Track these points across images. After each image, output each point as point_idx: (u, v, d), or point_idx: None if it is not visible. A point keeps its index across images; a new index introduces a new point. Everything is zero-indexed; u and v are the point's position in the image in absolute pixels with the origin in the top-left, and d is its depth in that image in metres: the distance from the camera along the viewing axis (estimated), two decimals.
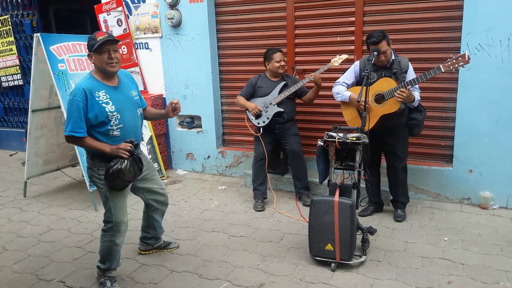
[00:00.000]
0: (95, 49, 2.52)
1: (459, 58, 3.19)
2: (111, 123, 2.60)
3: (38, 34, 4.12)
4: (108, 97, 2.59)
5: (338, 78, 3.70)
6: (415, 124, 3.59)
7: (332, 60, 4.00)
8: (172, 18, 4.98)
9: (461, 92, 3.90)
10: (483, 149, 3.88)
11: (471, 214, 3.80)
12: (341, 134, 2.90)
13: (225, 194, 4.53)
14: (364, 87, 3.10)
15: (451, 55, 3.93)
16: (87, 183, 4.12)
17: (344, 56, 3.99)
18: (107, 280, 2.80)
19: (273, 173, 4.56)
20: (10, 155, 6.76)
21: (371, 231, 3.40)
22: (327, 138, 2.92)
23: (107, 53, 2.55)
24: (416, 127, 3.61)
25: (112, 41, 2.55)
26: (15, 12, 6.50)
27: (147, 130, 5.10)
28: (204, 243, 3.37)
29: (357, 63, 3.61)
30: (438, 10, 3.97)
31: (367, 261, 2.99)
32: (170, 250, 3.29)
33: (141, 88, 5.46)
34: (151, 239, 3.24)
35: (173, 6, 5.02)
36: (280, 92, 4.08)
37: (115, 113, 2.60)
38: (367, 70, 3.12)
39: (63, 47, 4.27)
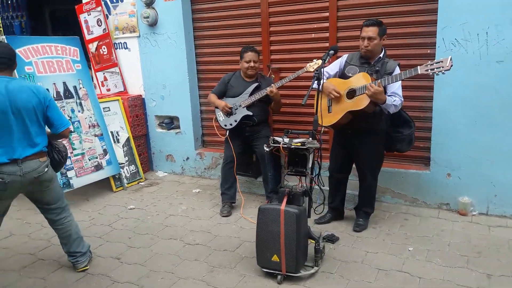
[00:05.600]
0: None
1: (440, 63, 2.86)
2: None
3: (4, 37, 4.10)
4: None
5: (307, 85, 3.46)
6: (398, 138, 3.34)
7: (307, 65, 3.75)
8: (148, 17, 4.88)
9: (437, 90, 3.64)
10: (461, 151, 3.62)
11: (447, 221, 3.56)
12: (287, 140, 2.72)
13: (197, 198, 4.41)
14: (316, 91, 2.90)
15: (428, 51, 3.74)
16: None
17: (320, 62, 3.75)
18: None
19: (247, 176, 4.41)
20: None
21: (332, 239, 3.22)
22: (272, 143, 2.75)
23: None
24: (399, 142, 3.35)
25: None
26: (5, 14, 6.56)
27: (124, 132, 5.03)
28: (156, 252, 3.26)
29: (345, 56, 3.41)
30: (414, 3, 3.71)
31: (318, 273, 2.81)
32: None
33: (121, 88, 5.40)
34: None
35: (149, 4, 4.91)
36: (251, 94, 3.91)
37: None
38: (319, 70, 2.91)
39: (31, 49, 4.21)
